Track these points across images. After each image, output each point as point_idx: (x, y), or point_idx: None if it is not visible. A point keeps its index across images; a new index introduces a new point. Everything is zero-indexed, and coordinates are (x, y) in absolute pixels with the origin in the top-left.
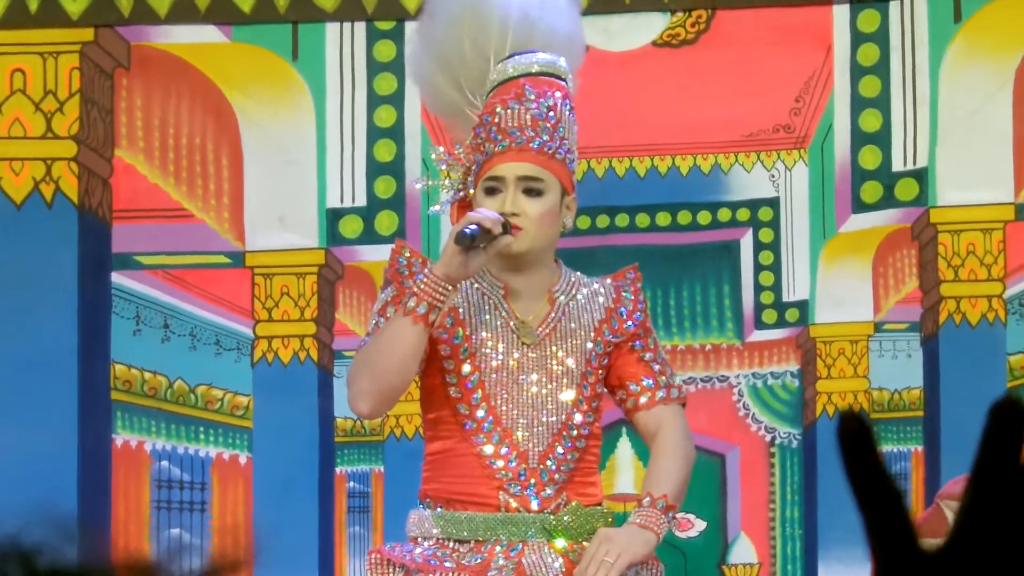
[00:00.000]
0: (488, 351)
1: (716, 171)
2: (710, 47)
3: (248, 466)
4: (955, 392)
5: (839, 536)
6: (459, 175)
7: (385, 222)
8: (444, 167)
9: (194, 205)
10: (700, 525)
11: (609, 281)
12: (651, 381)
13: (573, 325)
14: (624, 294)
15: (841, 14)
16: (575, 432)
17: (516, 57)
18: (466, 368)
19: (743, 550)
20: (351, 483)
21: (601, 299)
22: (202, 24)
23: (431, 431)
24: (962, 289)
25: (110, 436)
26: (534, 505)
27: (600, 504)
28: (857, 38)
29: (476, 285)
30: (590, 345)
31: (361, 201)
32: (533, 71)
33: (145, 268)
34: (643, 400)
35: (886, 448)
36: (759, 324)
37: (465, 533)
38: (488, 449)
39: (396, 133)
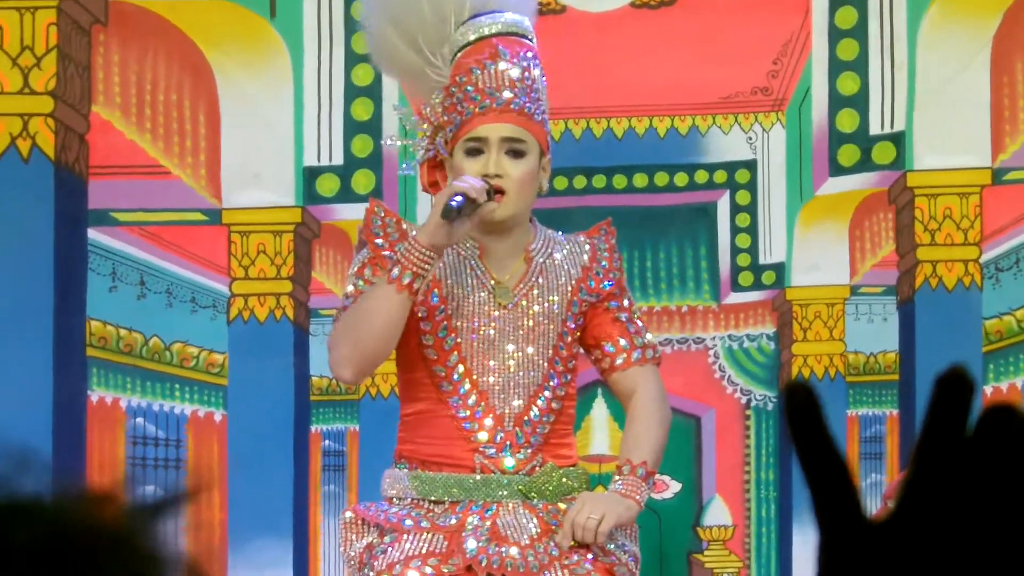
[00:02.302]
0: (465, 313)
1: (694, 133)
2: (688, 8)
3: (223, 423)
4: (931, 356)
5: None
6: (428, 134)
7: (362, 181)
8: (411, 126)
9: (171, 162)
10: (675, 487)
11: (583, 238)
12: (626, 342)
13: (550, 285)
14: (600, 252)
15: None
16: (550, 393)
17: (482, 17)
18: (443, 330)
19: (718, 512)
20: (326, 441)
21: (577, 258)
22: None
23: (407, 392)
24: (938, 253)
25: (85, 392)
26: (509, 466)
27: (575, 465)
28: (835, 1)
29: (452, 246)
30: (566, 305)
31: (338, 159)
32: (503, 31)
33: (121, 225)
34: (619, 361)
35: (862, 411)
36: (735, 286)
37: (440, 493)
38: (465, 412)
39: (373, 92)
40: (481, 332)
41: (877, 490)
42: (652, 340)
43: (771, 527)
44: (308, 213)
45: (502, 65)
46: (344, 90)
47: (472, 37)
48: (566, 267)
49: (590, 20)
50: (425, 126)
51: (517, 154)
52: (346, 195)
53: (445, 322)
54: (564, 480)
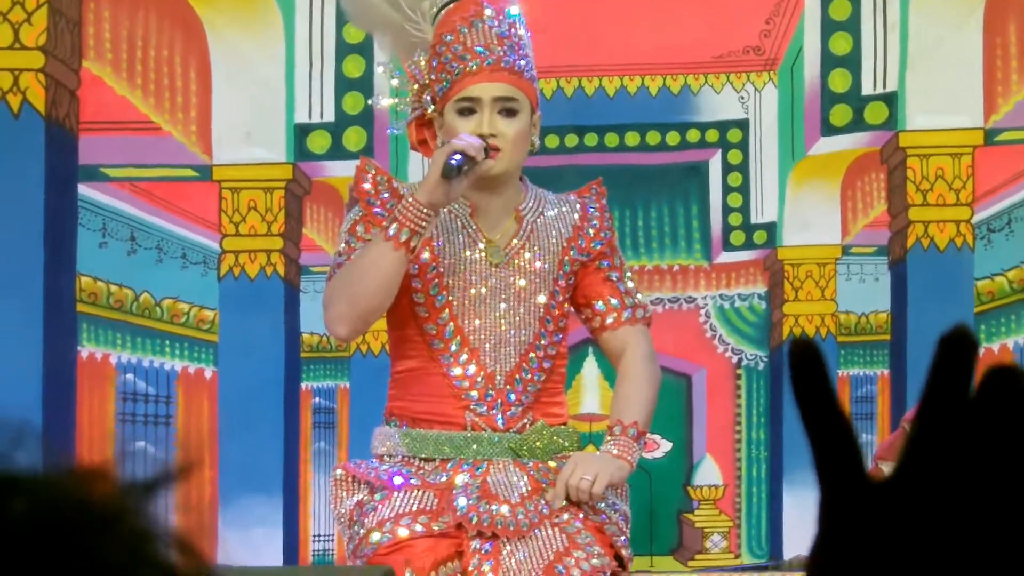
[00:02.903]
0: (456, 271)
1: (686, 92)
2: None
3: (214, 380)
4: (922, 316)
5: (805, 458)
6: (414, 92)
7: (353, 138)
8: (400, 85)
9: (162, 118)
10: (665, 446)
11: (574, 197)
12: (617, 301)
13: (540, 244)
14: (591, 211)
15: None
16: (541, 352)
17: None
18: (434, 288)
19: (708, 471)
20: (316, 399)
21: (568, 217)
22: None
23: (398, 349)
24: (930, 214)
25: (75, 348)
26: (500, 424)
27: (565, 424)
28: None
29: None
30: (557, 264)
31: (329, 116)
32: None
33: (112, 180)
34: (609, 320)
35: (853, 371)
36: (727, 246)
37: (431, 451)
38: (456, 370)
39: (365, 49)
40: (472, 291)
41: (868, 450)
42: (643, 300)
43: (762, 487)
44: (299, 170)
45: (488, 23)
46: (336, 47)
47: None
48: (557, 226)
49: None
50: (410, 83)
51: (510, 112)
52: (337, 152)
53: (436, 280)
54: (555, 438)
